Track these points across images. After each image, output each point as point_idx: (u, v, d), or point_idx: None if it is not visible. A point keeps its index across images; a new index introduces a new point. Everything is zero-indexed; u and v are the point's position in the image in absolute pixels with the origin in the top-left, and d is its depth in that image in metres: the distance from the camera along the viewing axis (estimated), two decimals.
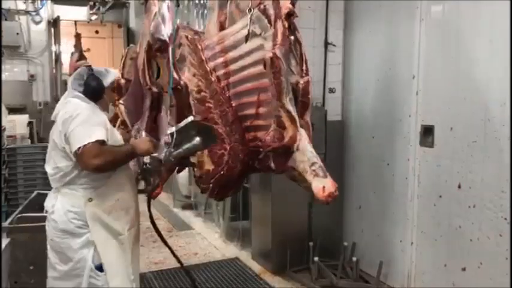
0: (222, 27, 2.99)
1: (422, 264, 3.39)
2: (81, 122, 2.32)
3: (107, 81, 2.56)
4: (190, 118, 2.53)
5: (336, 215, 4.19)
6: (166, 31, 3.29)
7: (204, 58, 2.86)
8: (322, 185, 2.32)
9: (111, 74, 2.61)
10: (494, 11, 2.79)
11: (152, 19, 4.23)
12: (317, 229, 4.04)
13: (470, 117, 2.95)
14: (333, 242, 4.11)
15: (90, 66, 2.56)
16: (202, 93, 2.80)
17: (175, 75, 2.99)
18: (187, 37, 3.07)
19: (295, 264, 3.96)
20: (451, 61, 3.10)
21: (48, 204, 2.49)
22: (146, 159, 2.54)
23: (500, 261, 2.76)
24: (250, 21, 2.64)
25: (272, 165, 2.63)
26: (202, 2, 5.58)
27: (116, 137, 2.55)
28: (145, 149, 2.44)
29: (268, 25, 2.58)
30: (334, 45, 4.10)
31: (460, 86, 3.04)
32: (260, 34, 2.61)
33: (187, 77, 2.89)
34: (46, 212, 2.50)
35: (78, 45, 9.00)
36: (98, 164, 2.27)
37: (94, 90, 2.49)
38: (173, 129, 2.47)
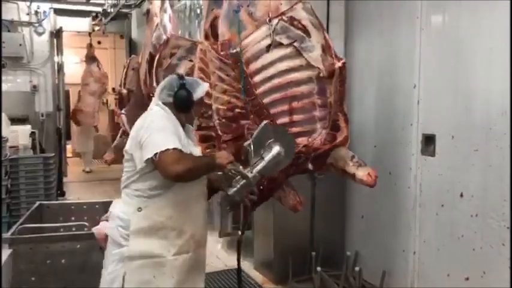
0: (207, 36, 3.02)
1: (425, 273, 3.37)
2: (159, 130, 2.21)
3: (197, 95, 2.36)
4: (263, 122, 2.39)
5: (339, 224, 4.18)
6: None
7: (247, 72, 2.78)
8: (367, 172, 2.80)
9: (202, 87, 2.40)
10: (494, 20, 2.81)
11: (154, 30, 4.28)
12: (319, 239, 4.03)
13: (472, 126, 2.95)
14: (336, 252, 4.10)
15: (182, 76, 2.40)
16: (237, 110, 2.75)
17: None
18: (204, 50, 2.95)
19: (298, 274, 3.94)
20: (452, 70, 3.11)
21: (110, 207, 2.42)
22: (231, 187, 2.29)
23: (503, 271, 2.74)
24: (273, 31, 2.68)
25: (310, 166, 2.68)
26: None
27: (195, 152, 2.41)
28: (226, 163, 2.21)
29: (304, 34, 2.66)
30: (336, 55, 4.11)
31: (461, 94, 3.04)
32: (291, 44, 2.67)
33: (215, 95, 2.79)
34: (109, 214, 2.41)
35: (89, 53, 9.21)
36: (179, 170, 2.11)
37: (183, 103, 2.33)
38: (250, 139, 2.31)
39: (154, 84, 3.70)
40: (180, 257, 2.29)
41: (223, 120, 2.75)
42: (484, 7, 2.87)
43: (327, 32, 4.07)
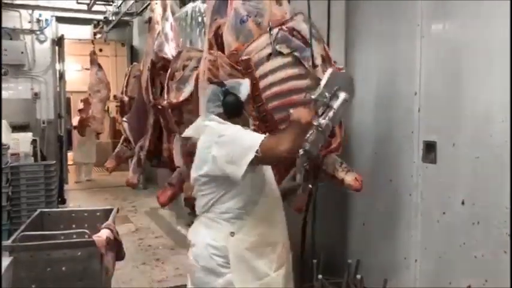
0: (211, 45, 3.04)
1: (427, 281, 3.36)
2: (238, 134, 2.15)
3: (243, 95, 2.31)
4: (330, 70, 2.34)
5: (340, 232, 4.17)
6: (169, 50, 3.33)
7: (257, 79, 2.78)
8: (354, 177, 2.99)
9: (244, 86, 2.34)
10: (494, 27, 2.82)
11: (155, 38, 4.30)
12: (320, 246, 4.01)
13: (473, 133, 2.96)
14: (337, 260, 4.08)
15: (222, 82, 2.36)
16: None
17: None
18: (211, 60, 2.96)
19: (299, 282, 3.93)
20: (452, 77, 3.12)
21: (190, 235, 2.30)
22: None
23: (505, 279, 2.73)
24: (273, 41, 2.71)
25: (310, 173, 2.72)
26: (205, 20, 5.65)
27: None
28: (307, 115, 2.14)
29: (304, 45, 2.71)
30: (335, 62, 4.13)
31: (461, 102, 3.05)
32: (292, 52, 2.70)
33: None
34: (189, 243, 2.30)
35: (93, 61, 9.30)
36: (287, 147, 2.02)
37: (233, 108, 2.28)
38: (320, 86, 2.25)
39: (165, 95, 3.72)
40: (280, 271, 2.27)
41: None
42: (484, 14, 2.89)
43: (328, 40, 4.11)
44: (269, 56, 2.79)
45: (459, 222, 3.06)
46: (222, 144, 2.12)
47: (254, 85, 2.72)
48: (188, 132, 2.39)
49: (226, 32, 2.96)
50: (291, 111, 2.24)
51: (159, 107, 3.79)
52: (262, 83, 2.81)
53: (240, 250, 2.15)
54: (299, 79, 2.79)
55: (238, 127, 2.23)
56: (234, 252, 2.14)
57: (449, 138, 3.14)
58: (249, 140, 2.10)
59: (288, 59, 2.78)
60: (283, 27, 2.78)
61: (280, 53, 2.76)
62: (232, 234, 2.16)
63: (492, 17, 2.83)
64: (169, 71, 3.77)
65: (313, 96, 2.24)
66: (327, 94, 2.22)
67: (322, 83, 2.27)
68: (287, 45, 2.77)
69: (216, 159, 2.13)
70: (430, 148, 3.30)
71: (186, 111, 3.57)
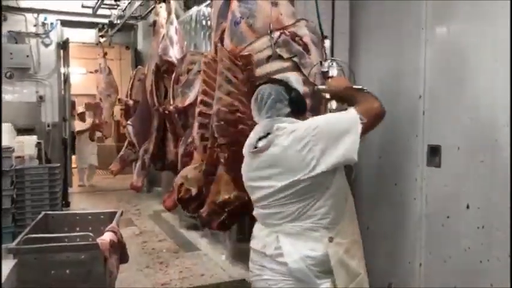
0: (215, 49, 3.02)
1: (431, 286, 3.34)
2: (331, 118, 2.08)
3: (300, 89, 2.28)
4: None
5: None
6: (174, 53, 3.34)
7: (256, 77, 2.72)
8: None
9: (296, 80, 2.34)
10: (499, 31, 2.81)
11: (160, 41, 4.32)
12: None
13: (477, 137, 2.94)
14: None
15: (280, 80, 2.25)
16: (238, 114, 2.68)
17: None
18: (207, 62, 2.99)
19: None
20: (457, 81, 3.11)
21: (272, 248, 2.10)
22: None
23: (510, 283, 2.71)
24: (274, 44, 2.70)
25: None
26: (209, 23, 5.66)
27: None
28: (343, 81, 2.23)
29: (304, 51, 2.70)
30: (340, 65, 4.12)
31: (466, 105, 3.04)
32: (292, 57, 2.70)
33: (218, 95, 2.72)
34: (270, 255, 2.10)
35: (103, 65, 9.35)
36: (377, 102, 2.14)
37: (301, 104, 2.21)
38: None
39: (171, 100, 3.72)
40: (365, 267, 2.24)
41: (222, 122, 2.66)
42: (489, 18, 2.88)
43: (332, 42, 4.11)
44: (269, 58, 2.76)
45: (464, 226, 3.05)
46: (322, 134, 2.00)
47: (251, 83, 2.69)
48: (261, 144, 2.15)
49: (225, 34, 2.95)
50: (329, 81, 2.29)
51: (166, 112, 3.79)
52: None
53: (340, 255, 2.07)
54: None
55: (315, 117, 2.16)
56: (334, 258, 2.04)
57: (454, 142, 3.13)
58: (343, 116, 2.05)
59: (288, 64, 2.75)
60: (286, 31, 2.76)
61: (280, 57, 2.74)
62: (331, 239, 2.05)
63: (497, 19, 2.82)
64: (173, 75, 3.78)
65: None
66: None
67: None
68: (287, 50, 2.75)
69: (324, 152, 1.99)
70: (434, 152, 3.29)
71: (192, 115, 3.57)
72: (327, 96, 2.34)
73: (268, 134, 2.13)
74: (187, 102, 3.58)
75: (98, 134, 10.36)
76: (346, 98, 2.25)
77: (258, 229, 2.27)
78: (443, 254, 3.24)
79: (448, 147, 3.18)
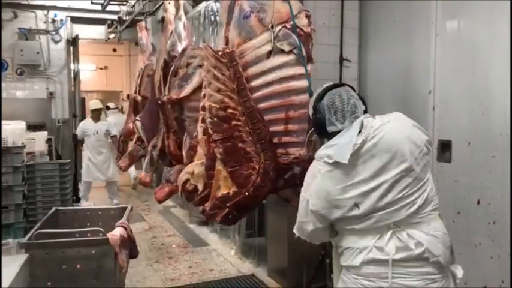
0: (227, 43, 2.99)
1: None
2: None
3: None
4: None
5: None
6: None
7: (241, 72, 2.69)
8: None
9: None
10: (509, 24, 2.78)
11: (168, 37, 4.31)
12: None
13: (488, 132, 2.92)
14: None
15: (346, 85, 2.23)
16: (230, 111, 2.66)
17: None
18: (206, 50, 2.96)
19: (312, 281, 3.92)
20: (467, 76, 3.08)
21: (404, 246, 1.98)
22: None
23: None
24: (274, 38, 2.67)
25: (298, 181, 2.64)
26: (218, 19, 5.65)
27: None
28: None
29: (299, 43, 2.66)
30: (349, 60, 4.11)
31: (476, 100, 3.01)
32: (291, 51, 2.65)
33: (209, 93, 2.72)
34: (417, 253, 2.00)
35: None
36: None
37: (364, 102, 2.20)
38: None
39: (166, 91, 3.71)
40: None
41: (215, 119, 2.65)
42: (499, 11, 2.85)
43: (341, 39, 4.09)
44: (269, 54, 2.73)
45: (475, 222, 3.03)
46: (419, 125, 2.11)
47: (238, 79, 2.67)
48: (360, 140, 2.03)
49: (231, 28, 2.92)
50: None
51: (159, 102, 3.79)
52: (260, 81, 2.74)
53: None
54: (299, 79, 2.71)
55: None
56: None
57: (464, 137, 3.10)
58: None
59: (290, 58, 2.70)
60: (286, 24, 2.72)
61: (281, 51, 2.70)
62: (439, 216, 2.11)
63: (507, 14, 2.79)
64: (172, 67, 3.76)
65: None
66: None
67: None
68: (288, 43, 2.70)
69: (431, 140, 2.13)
70: (445, 147, 3.27)
71: (187, 108, 3.56)
72: None
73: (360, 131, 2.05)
74: (182, 94, 3.56)
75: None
76: None
77: (355, 241, 2.08)
78: (455, 250, 3.20)
79: (459, 142, 3.16)
